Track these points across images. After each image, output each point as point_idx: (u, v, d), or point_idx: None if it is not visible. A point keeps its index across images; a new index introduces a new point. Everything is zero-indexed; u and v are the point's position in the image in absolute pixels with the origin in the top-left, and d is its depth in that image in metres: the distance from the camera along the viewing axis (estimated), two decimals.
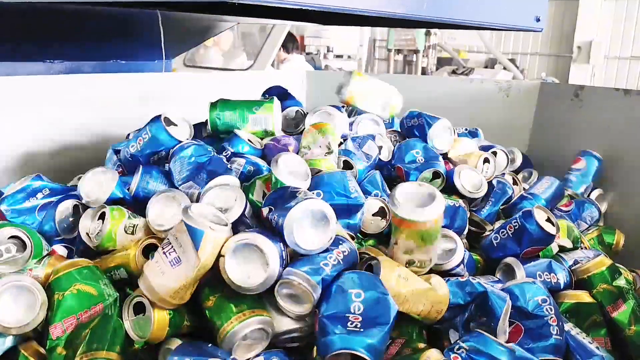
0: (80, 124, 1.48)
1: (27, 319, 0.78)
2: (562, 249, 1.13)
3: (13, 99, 1.39)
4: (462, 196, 1.19)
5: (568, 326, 0.90)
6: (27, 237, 0.88)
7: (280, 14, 1.81)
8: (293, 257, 0.83)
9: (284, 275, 0.78)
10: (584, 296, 0.96)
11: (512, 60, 7.41)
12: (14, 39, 1.39)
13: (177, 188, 1.03)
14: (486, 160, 1.28)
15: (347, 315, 0.75)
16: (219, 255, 0.77)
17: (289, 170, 0.95)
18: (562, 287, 1.00)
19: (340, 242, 0.86)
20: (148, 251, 0.91)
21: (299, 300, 0.79)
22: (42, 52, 1.53)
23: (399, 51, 7.62)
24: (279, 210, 0.83)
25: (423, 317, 0.84)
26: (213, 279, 0.81)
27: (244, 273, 0.77)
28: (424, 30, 6.75)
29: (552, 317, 0.84)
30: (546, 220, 1.01)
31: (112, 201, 1.01)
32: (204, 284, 0.82)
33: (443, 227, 1.04)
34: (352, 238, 0.97)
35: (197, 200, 0.97)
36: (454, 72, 6.72)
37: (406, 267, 0.87)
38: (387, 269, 0.82)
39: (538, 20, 1.50)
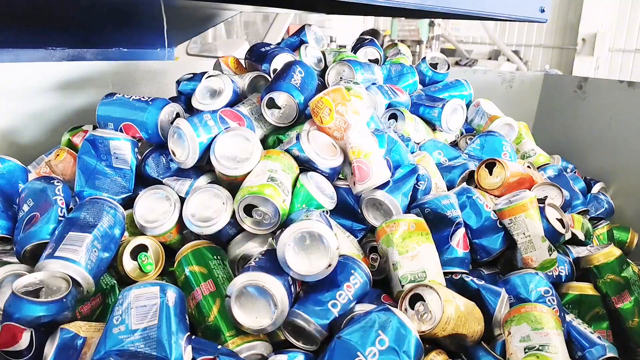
0: (82, 110, 1.48)
1: None
2: (573, 240, 1.10)
3: (15, 85, 1.39)
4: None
5: (570, 317, 0.90)
6: None
7: (284, 2, 1.80)
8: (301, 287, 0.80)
9: (289, 316, 0.75)
10: (587, 288, 0.96)
11: (516, 52, 7.40)
12: (16, 26, 1.39)
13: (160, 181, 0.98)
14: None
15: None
16: (225, 296, 0.74)
17: (318, 186, 0.91)
18: (563, 279, 1.00)
19: (352, 270, 0.81)
20: (137, 253, 0.87)
21: (306, 336, 0.76)
22: (44, 39, 1.52)
23: (402, 42, 7.58)
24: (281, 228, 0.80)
25: (475, 338, 0.79)
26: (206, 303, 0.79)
27: (252, 314, 0.74)
28: (427, 20, 6.72)
29: (554, 308, 0.85)
30: (557, 219, 0.99)
31: None
32: (199, 305, 0.80)
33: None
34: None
35: (186, 196, 0.92)
36: (457, 63, 6.69)
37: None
38: (443, 292, 0.76)
39: (542, 11, 1.49)
